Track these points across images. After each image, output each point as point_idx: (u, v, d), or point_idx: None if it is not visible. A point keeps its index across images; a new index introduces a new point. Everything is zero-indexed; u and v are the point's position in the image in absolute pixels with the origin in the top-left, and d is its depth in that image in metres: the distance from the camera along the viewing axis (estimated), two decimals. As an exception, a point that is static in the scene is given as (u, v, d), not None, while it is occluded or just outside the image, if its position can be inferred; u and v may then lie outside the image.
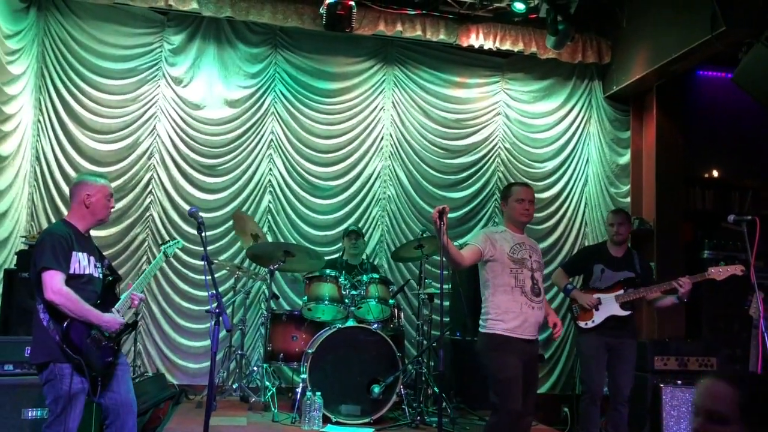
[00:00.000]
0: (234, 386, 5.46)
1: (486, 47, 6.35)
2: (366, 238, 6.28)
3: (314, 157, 6.44)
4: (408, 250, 5.66)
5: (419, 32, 6.17)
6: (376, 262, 6.35)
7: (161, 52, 6.19)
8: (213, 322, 3.06)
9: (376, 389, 4.79)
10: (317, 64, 6.49)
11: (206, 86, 6.26)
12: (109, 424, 3.41)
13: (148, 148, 6.12)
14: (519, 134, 6.80)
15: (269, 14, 5.97)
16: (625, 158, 6.78)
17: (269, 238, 6.10)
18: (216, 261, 5.74)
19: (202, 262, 3.26)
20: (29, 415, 4.15)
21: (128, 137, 6.07)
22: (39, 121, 5.91)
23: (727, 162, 7.03)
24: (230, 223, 6.11)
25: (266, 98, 6.38)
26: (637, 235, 6.53)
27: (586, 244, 6.64)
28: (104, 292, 3.45)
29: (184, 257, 5.97)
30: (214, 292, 3.11)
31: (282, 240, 6.15)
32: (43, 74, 5.92)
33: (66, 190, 5.83)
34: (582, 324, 4.80)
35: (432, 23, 6.22)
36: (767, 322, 4.34)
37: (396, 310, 5.54)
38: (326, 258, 5.80)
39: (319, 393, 4.62)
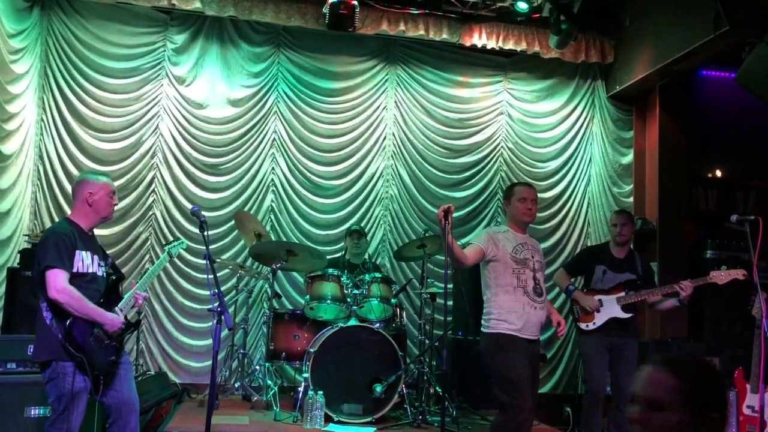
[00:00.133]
0: (236, 385, 5.47)
1: (489, 47, 6.35)
2: (368, 238, 6.28)
3: (317, 157, 6.44)
4: (410, 249, 5.66)
5: (422, 32, 6.17)
6: (378, 262, 6.35)
7: (164, 51, 6.19)
8: (215, 321, 3.07)
9: (378, 388, 4.79)
10: (320, 63, 6.49)
11: (209, 85, 6.27)
12: (112, 423, 3.42)
13: (150, 147, 6.13)
14: (522, 134, 6.80)
15: (272, 13, 5.97)
16: (628, 158, 6.77)
17: (272, 237, 6.10)
18: (218, 260, 5.75)
19: (204, 261, 3.26)
20: (32, 413, 4.16)
21: (131, 136, 6.08)
22: (42, 119, 5.92)
23: (731, 162, 7.02)
24: (233, 222, 6.12)
25: (269, 97, 6.38)
26: (639, 235, 6.52)
27: (589, 244, 6.63)
28: (107, 291, 3.46)
29: (187, 256, 5.98)
30: (216, 290, 3.12)
31: (284, 239, 6.15)
32: (47, 73, 5.94)
33: (69, 188, 5.83)
34: (583, 326, 4.79)
35: (435, 23, 6.21)
36: (769, 323, 4.34)
37: (398, 309, 5.54)
38: (328, 257, 5.80)
39: (321, 392, 4.62)
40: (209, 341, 5.95)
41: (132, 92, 6.11)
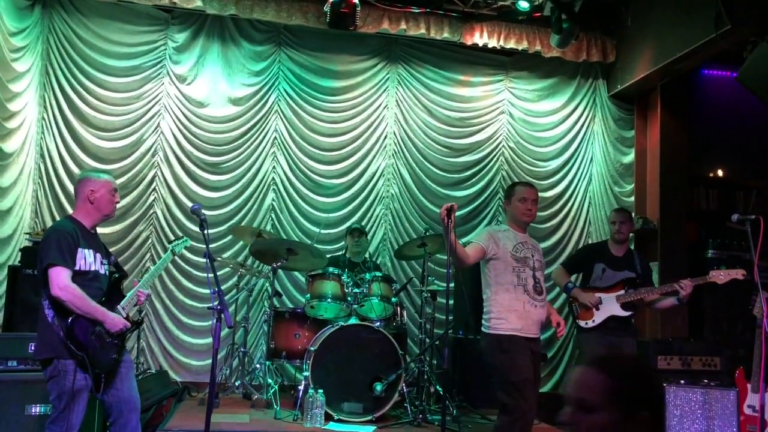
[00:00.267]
0: (237, 383, 5.47)
1: (490, 45, 6.35)
2: (369, 236, 6.28)
3: (318, 155, 6.44)
4: (411, 248, 5.66)
5: (423, 30, 6.17)
6: (379, 261, 6.35)
7: (165, 49, 6.20)
8: (215, 320, 3.07)
9: (379, 387, 4.79)
10: (321, 62, 6.49)
11: (210, 84, 6.27)
12: (113, 422, 3.42)
13: (151, 146, 6.13)
14: (523, 133, 6.79)
15: (273, 12, 5.98)
16: (629, 157, 6.77)
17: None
18: (219, 258, 5.75)
19: (205, 260, 3.26)
20: (33, 411, 4.16)
21: (132, 135, 6.09)
22: (43, 118, 5.93)
23: (732, 161, 7.01)
24: (234, 220, 6.13)
25: (270, 96, 6.38)
26: (640, 235, 6.52)
27: (590, 243, 6.63)
28: (110, 289, 3.46)
29: (188, 254, 5.98)
30: (216, 289, 3.12)
31: (285, 238, 6.15)
32: (48, 71, 5.95)
33: (70, 187, 5.86)
34: (582, 323, 4.80)
35: (436, 21, 6.21)
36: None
37: (399, 308, 5.54)
38: (329, 256, 5.80)
39: (321, 390, 4.62)
40: (210, 340, 5.95)
41: (133, 91, 6.11)
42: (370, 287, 5.23)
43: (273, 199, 6.36)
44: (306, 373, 4.82)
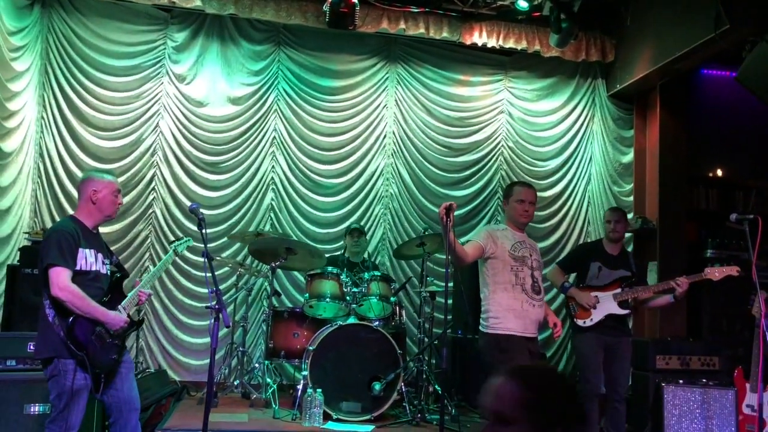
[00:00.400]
0: (235, 383, 5.47)
1: (489, 45, 6.35)
2: (368, 236, 6.29)
3: (317, 155, 6.45)
4: (410, 247, 5.67)
5: (422, 30, 6.17)
6: (378, 260, 6.36)
7: (164, 49, 6.20)
8: (212, 319, 3.07)
9: (377, 386, 4.79)
10: (320, 61, 6.49)
11: (209, 83, 6.27)
12: (113, 423, 3.43)
13: (151, 145, 6.13)
14: (522, 132, 6.79)
15: (272, 11, 5.98)
16: (629, 157, 6.77)
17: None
18: (218, 258, 5.76)
19: (203, 259, 3.26)
20: (32, 410, 4.17)
21: (131, 134, 6.09)
22: (42, 117, 5.93)
23: (731, 161, 7.01)
24: (233, 220, 6.13)
25: (269, 96, 6.38)
26: (639, 235, 6.53)
27: (585, 242, 6.62)
28: (111, 289, 3.46)
29: (187, 254, 5.95)
30: (214, 288, 3.12)
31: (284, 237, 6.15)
32: (47, 71, 5.95)
33: (69, 186, 5.87)
34: (580, 322, 4.80)
35: (435, 21, 6.21)
36: (768, 322, 4.34)
37: (397, 307, 5.54)
38: (328, 255, 5.80)
39: (320, 390, 4.62)
40: (209, 339, 5.93)
41: (132, 90, 6.11)
42: (369, 287, 5.24)
43: (272, 199, 6.36)
44: (305, 373, 4.82)
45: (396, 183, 6.59)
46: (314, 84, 6.47)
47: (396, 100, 6.64)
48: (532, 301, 3.81)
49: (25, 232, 5.56)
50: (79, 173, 5.88)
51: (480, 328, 3.91)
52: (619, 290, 4.77)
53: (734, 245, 6.22)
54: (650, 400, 5.34)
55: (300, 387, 4.89)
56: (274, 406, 4.82)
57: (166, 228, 6.06)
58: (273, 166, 6.38)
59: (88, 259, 3.32)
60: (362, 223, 6.29)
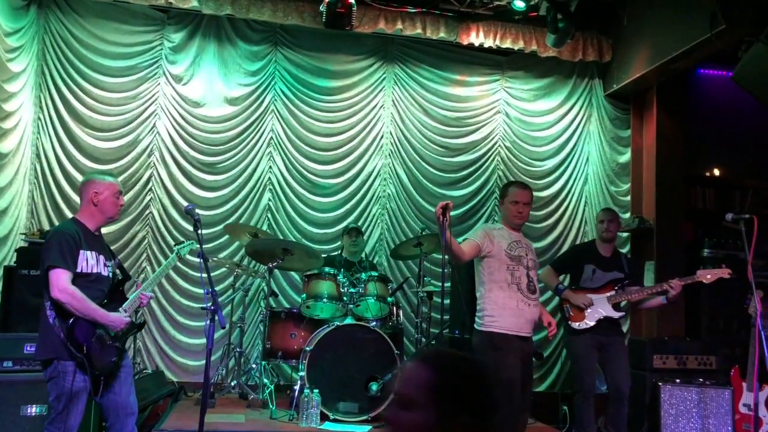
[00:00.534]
0: (233, 383, 5.47)
1: (486, 45, 6.35)
2: (366, 236, 6.29)
3: (314, 155, 6.44)
4: (407, 248, 5.67)
5: (419, 30, 6.17)
6: (375, 261, 6.36)
7: (161, 49, 6.19)
8: (208, 320, 3.08)
9: (374, 387, 4.80)
10: (317, 62, 6.49)
11: (206, 84, 6.26)
12: (110, 426, 3.44)
13: (148, 146, 6.13)
14: (519, 132, 6.80)
15: (269, 12, 5.97)
16: (626, 157, 6.78)
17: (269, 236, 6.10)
18: (215, 259, 5.76)
19: (199, 259, 3.27)
20: (28, 411, 4.17)
21: (128, 135, 6.08)
22: (39, 118, 5.92)
23: (728, 161, 7.03)
24: (230, 220, 6.13)
25: (266, 96, 6.38)
26: (637, 234, 6.54)
27: (577, 243, 6.62)
28: (112, 291, 3.47)
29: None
30: (209, 289, 3.13)
31: (282, 238, 6.15)
32: (44, 72, 5.94)
33: (66, 187, 5.86)
34: (575, 325, 4.81)
35: (432, 21, 6.21)
36: (765, 321, 4.36)
37: (395, 308, 5.55)
38: (325, 256, 5.80)
39: (316, 390, 4.62)
40: (206, 340, 5.95)
41: (129, 91, 6.11)
42: (366, 287, 5.24)
43: (269, 199, 6.36)
44: (302, 373, 4.82)
45: (393, 183, 6.59)
46: (311, 84, 6.47)
47: (393, 101, 6.64)
48: (528, 300, 3.83)
49: (22, 234, 5.55)
50: (76, 174, 5.88)
51: (475, 326, 3.93)
52: (612, 293, 4.79)
53: (731, 245, 6.23)
54: (647, 400, 5.36)
55: (297, 387, 4.89)
56: (271, 406, 4.82)
57: (163, 229, 6.06)
58: (270, 167, 6.38)
59: (89, 261, 3.33)
60: (359, 224, 6.30)
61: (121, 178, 5.94)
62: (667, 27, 5.77)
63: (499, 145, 6.76)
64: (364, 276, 5.32)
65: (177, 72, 6.21)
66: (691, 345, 5.63)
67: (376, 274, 5.43)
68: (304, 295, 5.29)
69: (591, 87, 6.91)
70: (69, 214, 5.79)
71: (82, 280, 3.27)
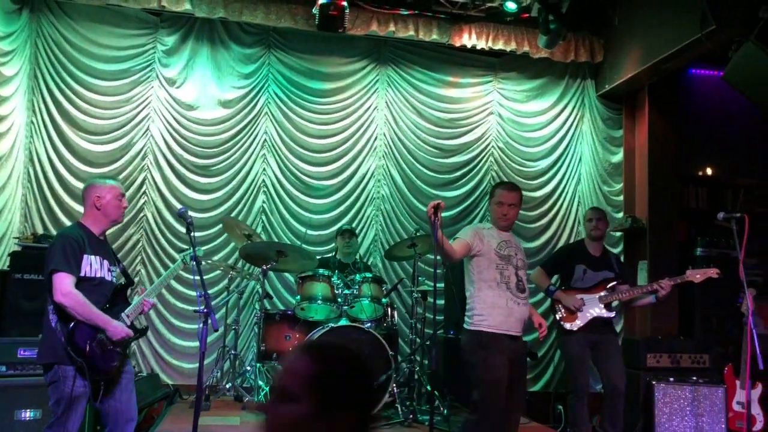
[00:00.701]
0: (228, 386, 5.47)
1: (479, 47, 6.37)
2: (360, 238, 6.30)
3: (308, 157, 6.45)
4: (401, 249, 5.68)
5: (412, 32, 6.18)
6: (370, 262, 6.37)
7: (154, 53, 6.19)
8: (201, 323, 3.09)
9: (369, 388, 4.79)
10: (310, 64, 6.50)
11: (200, 87, 6.27)
12: (109, 431, 3.44)
13: (141, 149, 6.13)
14: (512, 133, 6.82)
15: (262, 15, 5.98)
16: (618, 157, 6.80)
17: (263, 238, 6.11)
18: (210, 261, 5.75)
19: (191, 263, 3.28)
20: (22, 416, 4.17)
21: (122, 138, 6.08)
22: (32, 122, 5.91)
23: (720, 160, 7.06)
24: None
25: (260, 98, 6.39)
26: (630, 234, 6.56)
27: (566, 244, 6.63)
28: (115, 296, 3.47)
29: (177, 257, 5.95)
30: (202, 292, 3.13)
31: (276, 240, 6.16)
32: (36, 76, 5.93)
33: (60, 191, 5.86)
34: (567, 326, 4.83)
35: (425, 23, 6.23)
36: (757, 319, 4.39)
37: (389, 309, 5.56)
38: (319, 257, 5.81)
39: (311, 392, 4.62)
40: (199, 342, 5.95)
41: (122, 94, 6.10)
42: (361, 288, 5.25)
43: (263, 201, 6.36)
44: (296, 375, 4.81)
45: (387, 184, 6.61)
46: (304, 86, 6.48)
47: (386, 102, 6.66)
48: (517, 299, 3.84)
49: (15, 237, 5.54)
50: (69, 178, 5.88)
51: (464, 325, 3.94)
52: (604, 292, 4.82)
53: (723, 243, 6.26)
54: (641, 398, 5.38)
55: (292, 389, 4.88)
56: (266, 408, 4.81)
57: (157, 232, 6.06)
58: (264, 169, 6.38)
59: (93, 265, 3.34)
60: (354, 225, 6.31)
61: (114, 182, 5.95)
62: (658, 27, 5.81)
63: (493, 146, 6.78)
64: (358, 277, 5.33)
65: (170, 75, 6.21)
66: (684, 344, 5.66)
67: (371, 275, 5.44)
68: (299, 296, 5.30)
69: (583, 87, 6.94)
70: (62, 218, 5.80)
71: (85, 284, 3.27)
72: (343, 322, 5.08)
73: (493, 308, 3.79)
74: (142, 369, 5.87)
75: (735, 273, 4.32)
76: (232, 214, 6.23)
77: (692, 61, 6.23)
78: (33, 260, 4.72)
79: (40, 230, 5.68)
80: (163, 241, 6.04)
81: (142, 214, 6.08)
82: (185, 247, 5.69)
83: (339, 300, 5.24)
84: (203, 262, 3.97)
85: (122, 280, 3.58)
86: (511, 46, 6.40)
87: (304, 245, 5.89)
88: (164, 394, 5.36)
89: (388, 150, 6.63)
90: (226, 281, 5.93)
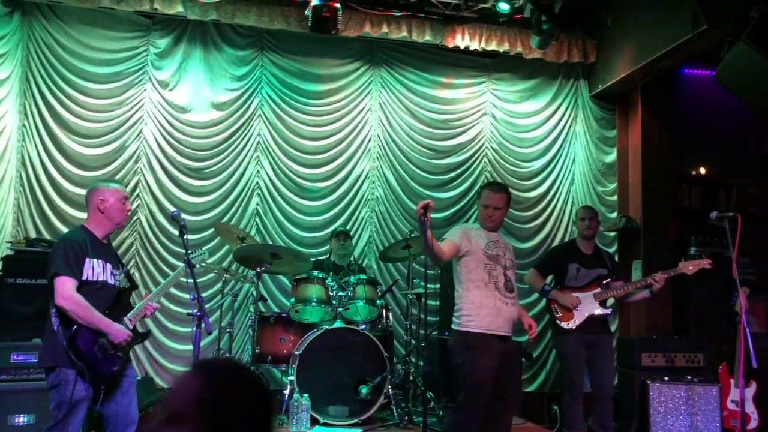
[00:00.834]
0: (223, 389, 5.45)
1: (472, 48, 6.38)
2: (355, 239, 6.30)
3: (302, 159, 6.44)
4: (396, 250, 5.68)
5: (405, 33, 6.19)
6: (365, 263, 6.36)
7: (147, 55, 6.17)
8: (194, 326, 3.08)
9: (364, 390, 4.80)
10: (304, 66, 6.49)
11: (193, 89, 6.25)
12: None
13: (134, 152, 6.10)
14: (506, 134, 6.82)
15: (255, 17, 5.98)
16: (612, 157, 6.82)
17: (258, 240, 6.09)
18: (203, 264, 5.72)
19: (183, 265, 3.27)
20: (16, 421, 4.15)
21: (115, 141, 6.05)
22: (24, 125, 5.88)
23: (713, 159, 7.09)
24: (218, 226, 6.11)
25: (253, 100, 6.38)
26: (624, 233, 6.58)
27: (557, 244, 6.64)
28: (117, 300, 3.46)
29: (171, 260, 5.97)
30: (195, 295, 3.13)
31: (270, 242, 6.15)
32: (28, 79, 5.90)
33: (52, 194, 5.83)
34: (564, 325, 4.84)
35: (418, 24, 6.23)
36: (751, 317, 4.41)
37: (384, 310, 5.56)
38: (313, 259, 5.80)
39: (306, 395, 4.62)
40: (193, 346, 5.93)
41: (115, 97, 6.08)
42: (355, 290, 5.25)
43: (257, 204, 6.35)
44: (291, 377, 4.82)
45: (381, 186, 6.60)
46: (298, 88, 6.47)
47: (380, 104, 6.65)
48: (505, 299, 3.83)
49: (8, 242, 5.51)
50: (62, 181, 5.85)
51: (452, 325, 3.93)
52: (598, 290, 4.83)
53: (717, 242, 6.27)
54: (636, 398, 5.39)
55: (287, 392, 4.89)
56: (261, 411, 4.80)
57: (150, 235, 6.04)
58: (258, 171, 6.37)
59: (95, 269, 3.34)
60: (348, 227, 6.30)
61: (108, 185, 5.92)
62: (651, 27, 5.82)
63: (486, 147, 6.79)
64: (352, 279, 5.33)
65: (163, 78, 6.19)
66: (679, 343, 5.67)
67: (365, 277, 5.44)
68: (293, 299, 5.29)
69: (576, 88, 6.95)
70: (55, 222, 5.77)
71: (87, 287, 3.28)
72: (338, 324, 5.09)
73: (481, 308, 3.79)
74: (137, 372, 5.82)
75: (728, 272, 4.34)
76: (226, 217, 6.21)
77: (685, 61, 6.25)
78: (26, 264, 4.71)
79: (32, 234, 5.65)
80: (156, 244, 6.02)
81: (135, 218, 6.05)
82: (179, 250, 5.69)
83: (333, 302, 5.23)
84: (197, 265, 3.95)
85: (126, 284, 3.57)
86: (504, 47, 6.41)
87: (298, 247, 5.89)
88: (159, 397, 5.32)
89: (382, 151, 6.62)
90: (220, 284, 5.91)
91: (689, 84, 6.97)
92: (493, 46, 6.40)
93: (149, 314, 3.58)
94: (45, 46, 5.93)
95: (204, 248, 5.90)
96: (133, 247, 6.03)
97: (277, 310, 6.02)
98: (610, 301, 5.02)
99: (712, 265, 4.69)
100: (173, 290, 6.01)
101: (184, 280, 5.90)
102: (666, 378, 5.37)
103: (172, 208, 5.96)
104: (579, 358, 4.80)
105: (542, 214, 6.79)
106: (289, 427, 4.57)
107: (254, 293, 5.43)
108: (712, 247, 6.27)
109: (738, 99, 5.47)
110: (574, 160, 6.92)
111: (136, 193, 6.08)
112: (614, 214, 6.69)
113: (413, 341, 5.48)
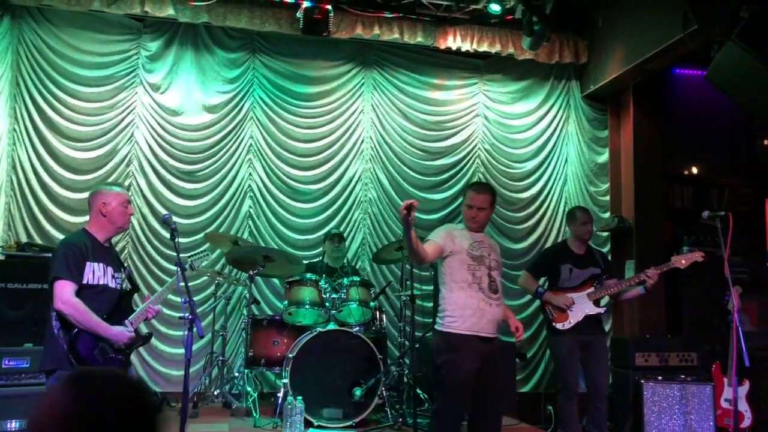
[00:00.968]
0: (216, 393, 5.44)
1: (463, 49, 6.39)
2: (348, 241, 6.28)
3: (294, 161, 6.43)
4: (389, 252, 5.68)
5: (397, 35, 6.19)
6: (358, 265, 6.35)
7: (138, 58, 6.15)
8: (186, 329, 3.07)
9: (358, 392, 4.79)
10: (295, 68, 6.48)
11: (184, 92, 6.23)
12: None
13: (126, 156, 6.08)
14: (498, 135, 6.83)
15: (246, 19, 5.96)
16: (604, 157, 6.84)
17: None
18: (196, 267, 5.70)
19: (176, 268, 3.26)
20: (8, 427, 4.12)
21: (106, 145, 6.02)
22: (15, 129, 5.85)
23: (705, 159, 7.11)
24: (211, 228, 6.08)
25: (245, 103, 6.36)
26: (616, 234, 6.59)
27: (549, 245, 6.64)
28: (119, 303, 3.44)
29: (164, 263, 5.95)
30: (186, 298, 3.12)
31: (263, 245, 6.13)
32: (18, 83, 5.86)
33: (44, 198, 5.80)
34: (559, 326, 4.83)
35: (409, 26, 6.24)
36: (744, 316, 4.42)
37: (378, 312, 5.55)
38: (306, 262, 5.79)
39: (300, 397, 4.60)
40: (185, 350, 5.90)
41: (106, 100, 6.05)
42: (348, 292, 5.23)
43: (250, 206, 6.33)
44: (285, 380, 4.80)
45: (374, 188, 6.59)
46: (290, 90, 6.46)
47: (372, 105, 6.65)
48: (489, 300, 3.78)
49: (-1, 246, 5.49)
50: (53, 185, 5.82)
51: (435, 326, 3.90)
52: (592, 289, 4.83)
53: (709, 242, 6.27)
54: (630, 397, 5.40)
55: (281, 395, 4.87)
56: (255, 414, 4.80)
57: (143, 238, 6.01)
58: (250, 174, 6.35)
59: (96, 272, 3.32)
60: (341, 229, 6.29)
61: (99, 189, 5.89)
62: (642, 28, 5.84)
63: (479, 148, 6.79)
64: (346, 281, 5.32)
65: (154, 81, 6.17)
66: (672, 342, 5.68)
67: (358, 279, 5.42)
68: (286, 302, 5.27)
69: (568, 88, 6.97)
70: (47, 226, 5.74)
71: (88, 291, 3.26)
72: (332, 326, 5.07)
73: (465, 309, 3.73)
74: (129, 377, 5.81)
75: (721, 271, 4.34)
76: (219, 220, 6.19)
77: (676, 61, 6.28)
78: (17, 269, 4.68)
79: (24, 239, 5.61)
80: (149, 247, 5.99)
81: (127, 221, 6.02)
82: (171, 253, 5.66)
83: (327, 304, 5.22)
84: (200, 264, 3.94)
85: (127, 286, 3.55)
86: (496, 48, 6.42)
87: (291, 250, 5.87)
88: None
89: (375, 153, 6.62)
90: (213, 287, 5.88)
91: (680, 84, 7.00)
92: (484, 48, 6.41)
93: (151, 317, 3.56)
94: (35, 49, 5.90)
95: (196, 251, 6.04)
96: (126, 251, 5.99)
97: (270, 312, 6.00)
98: (605, 300, 5.02)
99: (705, 258, 4.68)
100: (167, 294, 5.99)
101: (181, 284, 5.95)
102: (660, 377, 5.38)
103: (164, 211, 5.94)
104: (573, 359, 4.80)
105: (535, 214, 6.80)
106: (283, 429, 4.54)
107: (247, 296, 5.41)
108: (704, 247, 6.27)
109: (729, 99, 5.49)
110: (566, 160, 6.93)
111: (127, 197, 6.04)
112: (607, 215, 6.71)
113: (407, 343, 5.47)
